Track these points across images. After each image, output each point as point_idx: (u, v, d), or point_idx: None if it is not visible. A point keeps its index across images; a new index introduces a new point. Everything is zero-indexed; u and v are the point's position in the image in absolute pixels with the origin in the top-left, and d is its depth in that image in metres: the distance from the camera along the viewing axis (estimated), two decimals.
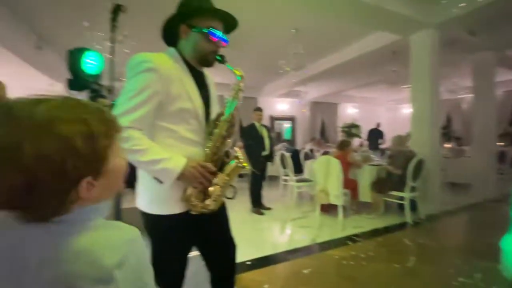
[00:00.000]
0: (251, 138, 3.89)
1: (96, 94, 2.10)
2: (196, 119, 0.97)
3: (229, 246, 1.15)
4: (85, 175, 0.43)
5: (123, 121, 0.82)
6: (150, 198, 0.96)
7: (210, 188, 0.95)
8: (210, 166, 0.94)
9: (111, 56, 2.31)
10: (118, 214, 2.26)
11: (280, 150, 6.43)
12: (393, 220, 3.51)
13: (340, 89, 8.43)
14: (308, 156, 5.52)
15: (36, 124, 0.40)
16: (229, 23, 1.03)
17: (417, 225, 3.34)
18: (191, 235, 1.02)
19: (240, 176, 3.40)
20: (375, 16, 3.41)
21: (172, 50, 1.01)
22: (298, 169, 4.93)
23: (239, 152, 1.01)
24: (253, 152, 3.70)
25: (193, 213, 0.96)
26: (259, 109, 4.04)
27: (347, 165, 3.76)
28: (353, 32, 4.41)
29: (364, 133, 8.48)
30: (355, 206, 3.94)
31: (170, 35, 1.02)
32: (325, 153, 5.60)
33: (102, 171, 0.46)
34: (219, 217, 1.11)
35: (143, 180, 0.98)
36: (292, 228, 3.34)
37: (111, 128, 0.47)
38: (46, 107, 0.42)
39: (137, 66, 0.88)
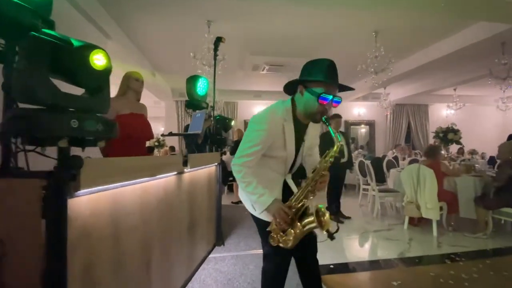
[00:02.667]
0: (328, 145, 3.86)
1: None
2: (283, 163, 1.29)
3: (315, 245, 1.39)
4: None
5: (240, 160, 1.19)
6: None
7: (288, 230, 1.15)
8: (290, 213, 1.15)
9: (212, 79, 2.81)
10: (219, 210, 2.69)
11: (356, 157, 6.12)
12: (506, 241, 2.97)
13: (430, 88, 7.41)
14: (392, 165, 5.10)
15: None
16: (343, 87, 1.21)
17: None
18: None
19: None
20: (482, 6, 3.02)
21: (287, 105, 1.23)
22: (380, 178, 4.63)
23: (326, 212, 1.13)
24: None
25: (272, 243, 1.18)
26: (337, 116, 3.96)
27: (441, 175, 3.35)
28: (444, 27, 4.03)
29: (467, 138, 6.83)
30: (453, 222, 3.47)
31: (290, 87, 1.25)
32: (413, 161, 5.08)
33: None
34: None
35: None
36: (376, 239, 3.20)
37: None
38: None
39: (258, 124, 1.20)
